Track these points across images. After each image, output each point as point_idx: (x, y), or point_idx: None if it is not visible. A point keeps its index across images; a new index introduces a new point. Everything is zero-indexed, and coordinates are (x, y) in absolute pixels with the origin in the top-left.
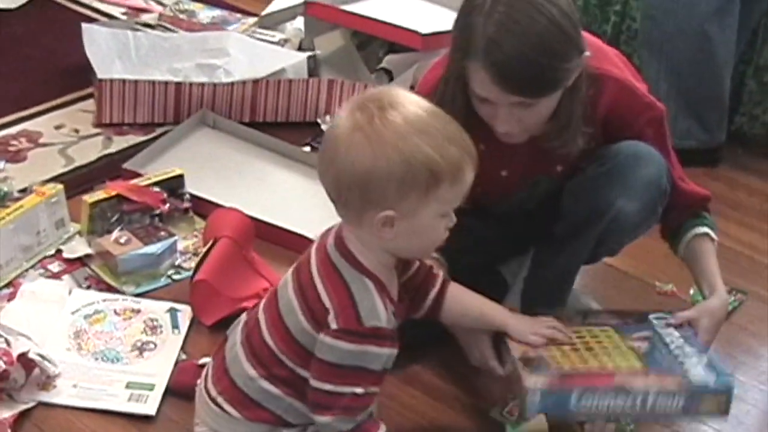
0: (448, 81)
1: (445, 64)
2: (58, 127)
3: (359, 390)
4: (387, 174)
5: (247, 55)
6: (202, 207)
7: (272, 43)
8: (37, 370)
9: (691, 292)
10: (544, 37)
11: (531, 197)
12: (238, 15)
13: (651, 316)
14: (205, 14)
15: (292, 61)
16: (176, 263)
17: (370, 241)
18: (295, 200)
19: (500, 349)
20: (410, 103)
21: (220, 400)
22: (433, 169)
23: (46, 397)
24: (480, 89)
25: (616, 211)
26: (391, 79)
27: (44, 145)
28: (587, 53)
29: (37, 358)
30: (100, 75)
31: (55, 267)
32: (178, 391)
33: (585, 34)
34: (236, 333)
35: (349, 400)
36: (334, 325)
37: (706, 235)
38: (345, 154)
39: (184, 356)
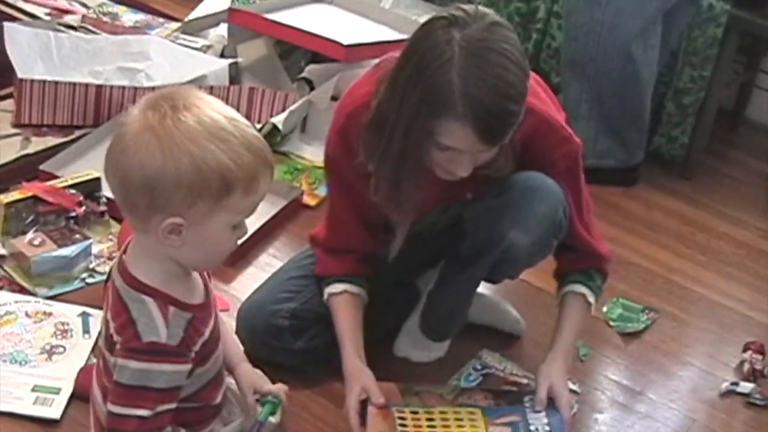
0: (413, 141)
1: (373, 88)
2: None
3: (143, 412)
4: (176, 179)
5: (169, 60)
6: (118, 211)
7: (195, 48)
8: None
9: (605, 309)
10: (517, 86)
11: (440, 221)
12: (162, 19)
13: (526, 399)
14: (129, 17)
15: (214, 67)
16: (90, 266)
17: (157, 250)
18: None
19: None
20: (206, 105)
21: None
22: (226, 176)
23: None
24: (452, 142)
25: (509, 242)
26: (312, 88)
27: None
28: None
29: None
30: (20, 75)
31: None
32: (83, 395)
33: None
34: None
35: (135, 425)
36: (118, 346)
37: (582, 296)
38: (133, 155)
39: (94, 361)
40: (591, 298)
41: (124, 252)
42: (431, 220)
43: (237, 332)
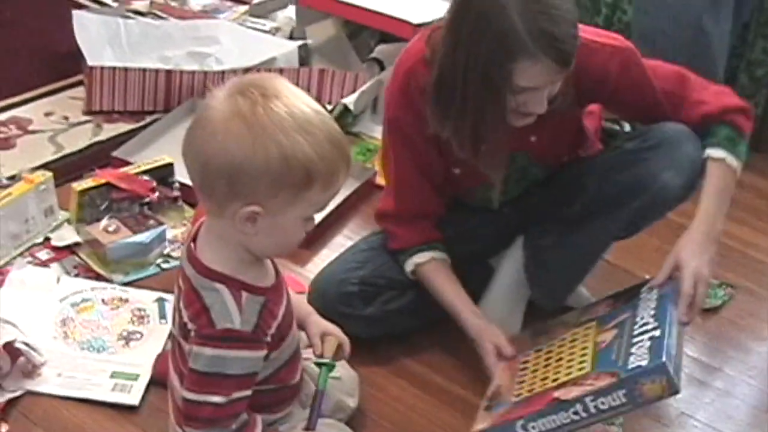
0: (490, 93)
1: (424, 45)
2: (47, 114)
3: (218, 399)
4: (262, 168)
5: (238, 44)
6: (192, 195)
7: (263, 31)
8: (22, 359)
9: None
10: (571, 11)
11: (510, 177)
12: (230, 3)
13: (644, 289)
14: (197, 2)
15: (283, 50)
16: (165, 252)
17: (229, 235)
18: None
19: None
20: (295, 96)
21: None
22: (310, 169)
23: (30, 385)
24: (532, 81)
25: (662, 184)
26: (382, 68)
27: (34, 132)
28: None
29: (23, 347)
30: (90, 62)
31: (43, 255)
32: (161, 381)
33: None
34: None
35: (210, 412)
36: (193, 334)
37: (708, 159)
38: (221, 140)
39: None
40: (717, 152)
41: (193, 240)
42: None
43: (310, 303)
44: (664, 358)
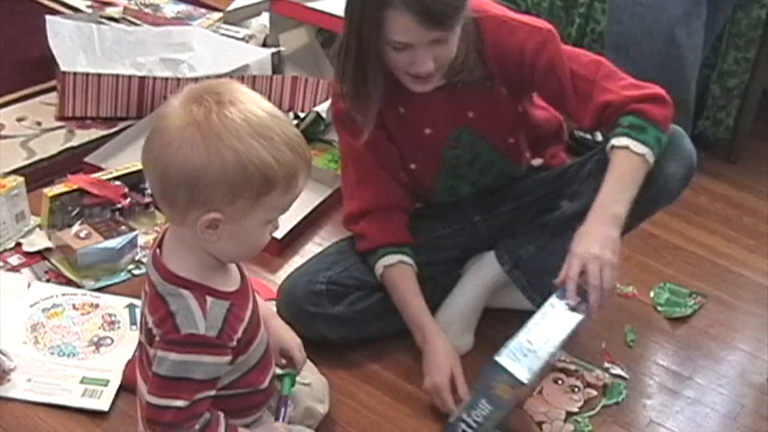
0: (348, 51)
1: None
2: (20, 120)
3: (181, 403)
4: (219, 175)
5: (212, 51)
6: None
7: (237, 39)
8: None
9: (652, 294)
10: None
11: (463, 158)
12: (203, 10)
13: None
14: (170, 8)
15: (257, 57)
16: (136, 258)
17: (192, 242)
18: None
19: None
20: (250, 102)
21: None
22: (268, 174)
23: (0, 390)
24: (401, 35)
25: (667, 174)
26: None
27: (6, 137)
28: None
29: None
30: (63, 68)
31: (14, 260)
32: (131, 387)
33: None
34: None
35: (173, 415)
36: (157, 339)
37: (612, 147)
38: (176, 149)
39: None
40: (619, 140)
41: (158, 246)
42: (453, 155)
43: (278, 306)
44: (497, 357)
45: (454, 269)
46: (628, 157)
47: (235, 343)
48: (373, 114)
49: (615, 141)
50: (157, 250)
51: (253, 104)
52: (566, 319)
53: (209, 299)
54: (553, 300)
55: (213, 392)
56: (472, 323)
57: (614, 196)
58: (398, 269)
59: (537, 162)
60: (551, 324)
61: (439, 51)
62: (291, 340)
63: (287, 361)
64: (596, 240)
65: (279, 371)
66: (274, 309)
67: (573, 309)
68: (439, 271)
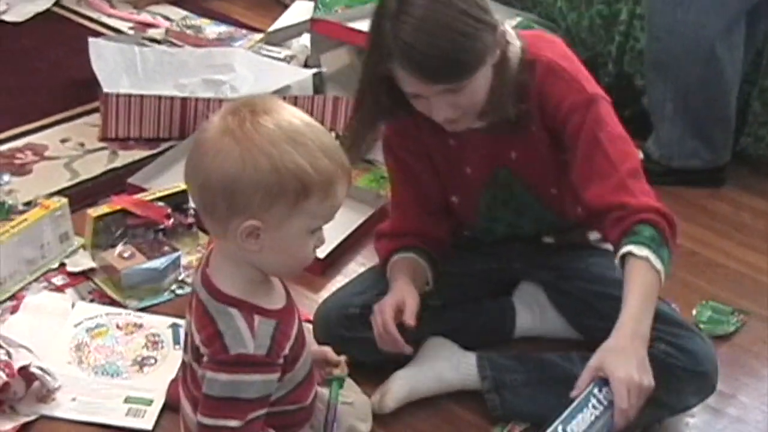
0: (368, 87)
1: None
2: (63, 141)
3: (234, 423)
4: (254, 181)
5: (253, 72)
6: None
7: (278, 59)
8: (37, 383)
9: (694, 312)
10: (450, 24)
11: (501, 202)
12: (245, 31)
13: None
14: (212, 30)
15: (298, 77)
16: (179, 278)
17: (237, 256)
18: None
19: None
20: (285, 111)
21: None
22: (304, 179)
23: (45, 410)
24: (408, 87)
25: (684, 406)
26: None
27: (50, 158)
28: (504, 28)
29: (38, 372)
30: (106, 89)
31: (58, 280)
32: (174, 406)
33: (542, 33)
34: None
35: None
36: (206, 359)
37: (629, 255)
38: (212, 158)
39: None
40: (640, 250)
41: (206, 264)
42: (490, 194)
43: (314, 331)
44: None
45: (470, 301)
46: (649, 270)
47: (282, 360)
48: (360, 148)
49: (635, 250)
50: (205, 269)
51: (288, 114)
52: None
53: (257, 318)
54: (595, 391)
55: (265, 410)
56: (413, 397)
57: (642, 314)
58: (405, 259)
59: (593, 237)
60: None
61: (455, 99)
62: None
63: (329, 369)
64: (633, 364)
65: (326, 378)
66: (310, 330)
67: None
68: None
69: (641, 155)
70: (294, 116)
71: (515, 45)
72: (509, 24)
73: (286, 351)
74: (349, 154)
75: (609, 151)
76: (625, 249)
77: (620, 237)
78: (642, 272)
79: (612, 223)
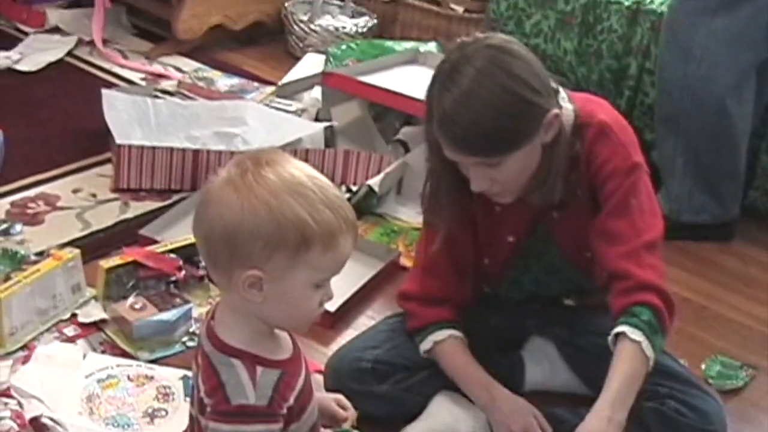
0: (429, 143)
1: None
2: (75, 191)
3: None
4: (254, 230)
5: (265, 124)
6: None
7: (290, 112)
8: None
9: (703, 366)
10: (492, 101)
11: (535, 256)
12: (256, 84)
13: None
14: (224, 82)
15: (309, 131)
16: (191, 330)
17: (242, 308)
18: None
19: None
20: (289, 164)
21: None
22: (304, 230)
23: None
24: (447, 153)
25: None
26: (407, 150)
27: (62, 208)
28: (557, 111)
29: (49, 422)
30: (118, 140)
31: (70, 331)
32: None
33: (589, 95)
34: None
35: None
36: (209, 410)
37: (622, 335)
38: (214, 209)
39: None
40: (635, 334)
41: (212, 317)
42: (525, 245)
43: (325, 383)
44: None
45: (480, 354)
46: (638, 356)
47: (285, 410)
48: (446, 220)
49: (630, 332)
50: (211, 321)
51: (291, 166)
52: None
53: (259, 369)
54: None
55: None
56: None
57: (621, 401)
58: (450, 342)
59: None
60: None
61: (492, 173)
62: (332, 399)
63: (337, 424)
64: None
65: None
66: (320, 382)
67: None
68: (496, 354)
69: None
70: (297, 169)
71: (568, 109)
72: None
73: (291, 402)
74: (433, 218)
75: (635, 219)
76: (620, 328)
77: (619, 314)
78: (631, 356)
79: (615, 295)
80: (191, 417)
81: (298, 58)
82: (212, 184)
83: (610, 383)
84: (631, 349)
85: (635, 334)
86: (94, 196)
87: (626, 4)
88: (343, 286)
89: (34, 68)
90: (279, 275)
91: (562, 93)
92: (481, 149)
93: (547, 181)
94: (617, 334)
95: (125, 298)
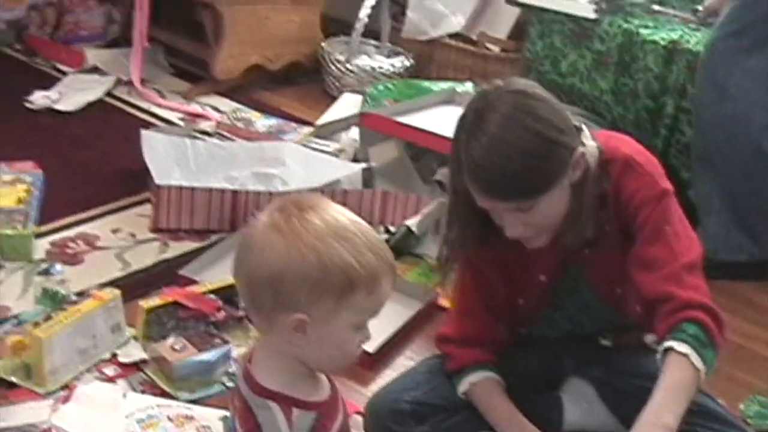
0: (456, 192)
1: None
2: (115, 231)
3: None
4: (301, 274)
5: (303, 165)
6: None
7: (328, 152)
8: None
9: (741, 407)
10: (521, 146)
11: (567, 293)
12: (294, 124)
13: None
14: (262, 123)
15: (347, 171)
16: (230, 371)
17: (282, 350)
18: None
19: None
20: (331, 208)
21: None
22: (350, 274)
23: None
24: (479, 201)
25: None
26: (444, 190)
27: (101, 248)
28: (583, 149)
29: None
30: (158, 181)
31: (110, 371)
32: None
33: (610, 132)
34: None
35: None
36: None
37: (670, 350)
38: (259, 253)
39: None
40: (682, 347)
41: (249, 359)
42: (558, 286)
43: (364, 425)
44: None
45: (517, 396)
46: (687, 366)
47: None
48: (475, 264)
49: (676, 345)
50: (248, 364)
51: (334, 211)
52: None
53: (296, 411)
54: None
55: None
56: None
57: (667, 405)
58: (486, 384)
59: (650, 339)
60: None
61: (525, 218)
62: None
63: None
64: None
65: None
66: (359, 424)
67: None
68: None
69: None
70: (340, 213)
71: (592, 146)
72: None
73: None
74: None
75: (671, 243)
76: (666, 344)
77: (665, 333)
78: (677, 367)
79: (660, 318)
80: None
81: (334, 98)
82: (255, 229)
83: (653, 395)
84: (678, 361)
85: (682, 347)
86: (133, 235)
87: (662, 43)
88: (382, 327)
89: (73, 108)
90: (323, 319)
91: (585, 131)
92: (513, 194)
93: (578, 221)
94: (665, 351)
95: (165, 338)
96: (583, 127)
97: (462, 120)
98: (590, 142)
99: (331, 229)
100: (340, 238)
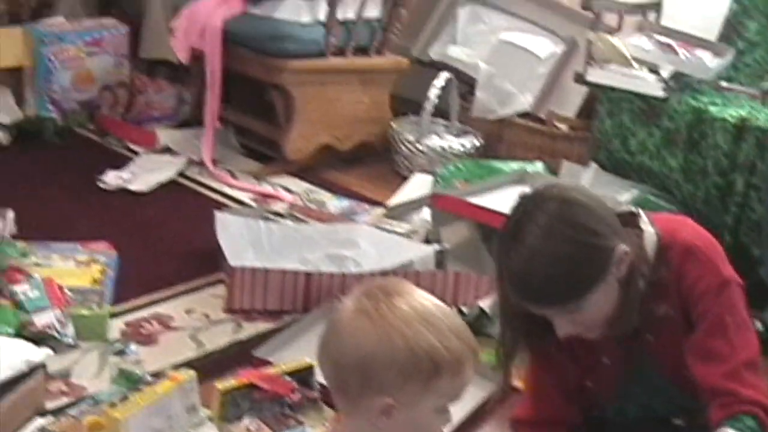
0: (504, 296)
1: None
2: (188, 312)
3: None
4: (389, 359)
5: (376, 247)
6: (331, 397)
7: (400, 234)
8: None
9: None
10: (558, 254)
11: (635, 380)
12: (366, 206)
13: None
14: (334, 204)
15: (420, 253)
16: None
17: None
18: None
19: None
20: (416, 294)
21: None
22: (436, 359)
23: None
24: (527, 308)
25: None
26: None
27: (175, 329)
28: (625, 247)
29: None
30: (232, 262)
31: None
32: None
33: (670, 214)
34: None
35: None
36: None
37: None
38: (348, 337)
39: None
40: None
41: None
42: (626, 376)
43: None
44: None
45: None
46: None
47: None
48: (513, 353)
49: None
50: None
51: (419, 296)
52: None
53: None
54: None
55: None
56: None
57: None
58: None
59: None
60: None
61: (574, 317)
62: None
63: None
64: None
65: None
66: None
67: None
68: None
69: (759, 326)
70: (425, 298)
71: (650, 232)
72: (625, 197)
73: None
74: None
75: (731, 337)
76: (723, 429)
77: (722, 420)
78: None
79: (718, 407)
80: None
81: (404, 178)
82: (342, 314)
83: None
84: None
85: None
86: (207, 316)
87: (731, 120)
88: (457, 408)
89: (145, 188)
90: (409, 402)
91: (644, 217)
92: (555, 300)
93: (623, 313)
94: None
95: (240, 419)
96: (641, 212)
97: (503, 229)
98: (648, 228)
99: (418, 314)
100: (426, 323)
